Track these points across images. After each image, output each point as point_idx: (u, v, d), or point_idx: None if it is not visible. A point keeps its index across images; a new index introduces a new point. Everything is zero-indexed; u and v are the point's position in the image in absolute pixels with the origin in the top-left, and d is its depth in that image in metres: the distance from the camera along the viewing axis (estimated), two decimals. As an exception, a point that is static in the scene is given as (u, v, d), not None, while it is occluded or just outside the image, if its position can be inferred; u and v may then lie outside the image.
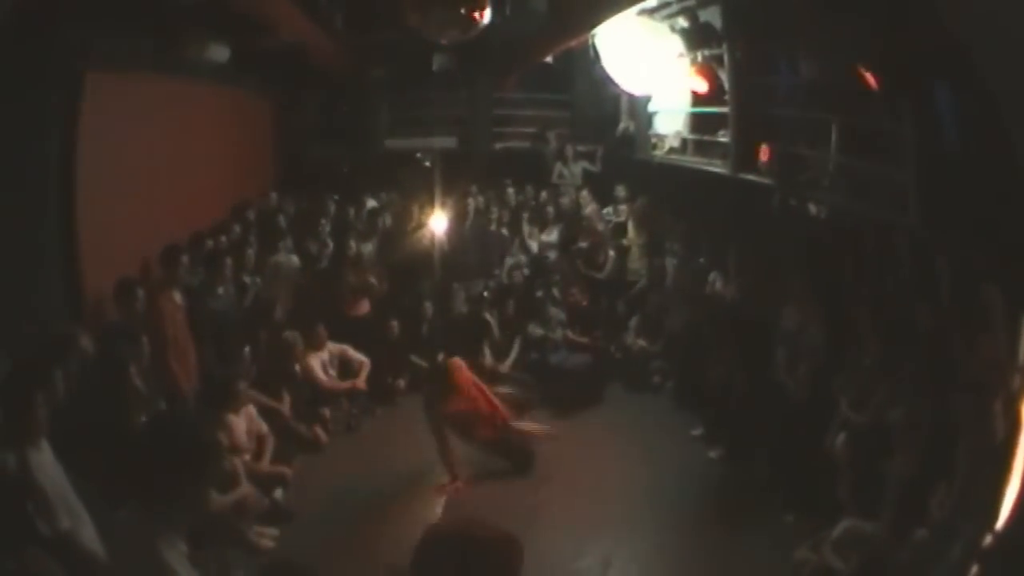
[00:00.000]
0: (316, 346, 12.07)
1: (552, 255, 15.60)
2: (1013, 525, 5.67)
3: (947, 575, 6.19)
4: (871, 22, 8.59)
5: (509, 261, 15.43)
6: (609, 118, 17.60)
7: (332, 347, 12.26)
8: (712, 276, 12.38)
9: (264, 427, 10.16)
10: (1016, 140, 5.86)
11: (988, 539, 5.87)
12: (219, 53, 11.57)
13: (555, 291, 14.65)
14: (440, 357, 10.99)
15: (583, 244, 15.41)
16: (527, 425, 11.08)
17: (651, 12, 13.20)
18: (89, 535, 6.21)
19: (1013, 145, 5.92)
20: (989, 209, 7.20)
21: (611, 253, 15.15)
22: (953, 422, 6.68)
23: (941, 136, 8.13)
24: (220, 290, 11.09)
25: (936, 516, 6.61)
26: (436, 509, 9.82)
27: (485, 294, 14.73)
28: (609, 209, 16.30)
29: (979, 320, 6.90)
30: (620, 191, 16.31)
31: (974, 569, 5.94)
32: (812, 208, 10.87)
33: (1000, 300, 6.74)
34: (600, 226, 15.71)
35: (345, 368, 12.30)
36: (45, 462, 6.22)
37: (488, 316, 14.21)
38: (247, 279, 12.34)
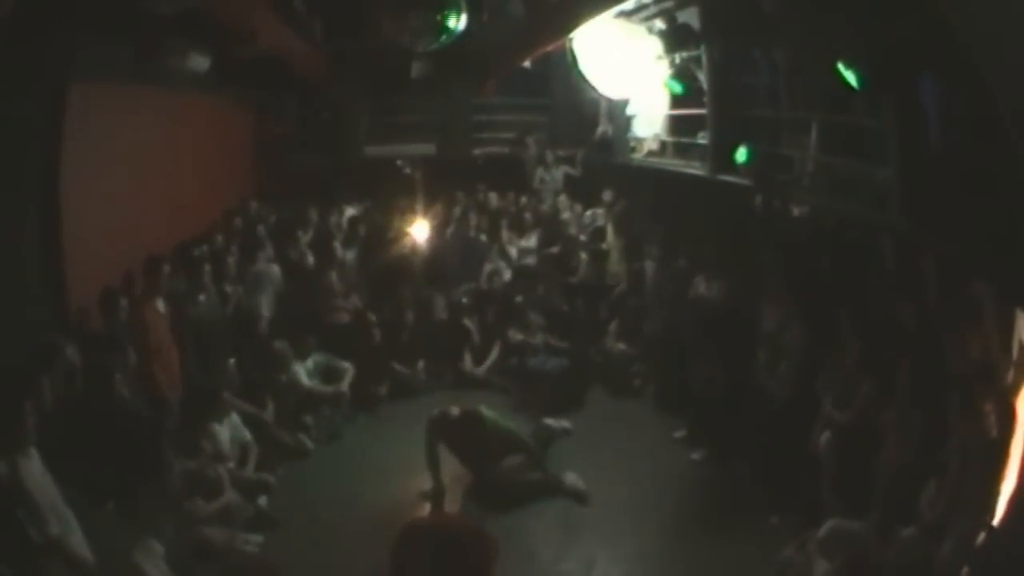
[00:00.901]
0: (303, 355, 12.08)
1: (531, 260, 15.60)
2: (1008, 523, 5.67)
3: (939, 574, 6.20)
4: (852, 19, 8.63)
5: (488, 267, 15.45)
6: (588, 122, 17.70)
7: (316, 356, 12.26)
8: (696, 278, 12.38)
9: (248, 435, 10.17)
10: (1008, 133, 5.88)
11: (981, 537, 5.88)
12: (199, 63, 11.53)
13: (534, 296, 14.68)
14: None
15: (554, 249, 15.46)
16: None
17: (628, 15, 13.24)
18: (78, 541, 6.25)
19: (1004, 139, 5.94)
20: (976, 205, 7.23)
21: (583, 256, 15.15)
22: (943, 420, 6.70)
23: (925, 132, 8.14)
24: (201, 298, 11.08)
25: (926, 514, 6.62)
26: (420, 515, 9.78)
27: (464, 300, 14.76)
28: (589, 213, 16.30)
29: (969, 317, 6.93)
30: (605, 194, 16.33)
31: (965, 568, 5.95)
32: (793, 207, 10.93)
33: (991, 296, 6.77)
34: (573, 230, 15.75)
35: (329, 375, 12.27)
36: (34, 470, 6.26)
37: (468, 323, 14.26)
38: (228, 288, 12.31)
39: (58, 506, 6.31)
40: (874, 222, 9.16)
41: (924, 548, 6.39)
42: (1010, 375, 6.39)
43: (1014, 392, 6.21)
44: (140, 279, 10.20)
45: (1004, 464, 5.87)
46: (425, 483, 10.16)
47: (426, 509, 9.93)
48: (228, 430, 9.88)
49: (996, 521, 5.82)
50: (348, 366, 12.38)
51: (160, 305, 10.04)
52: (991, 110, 5.96)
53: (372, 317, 13.50)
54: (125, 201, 10.70)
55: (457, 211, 16.17)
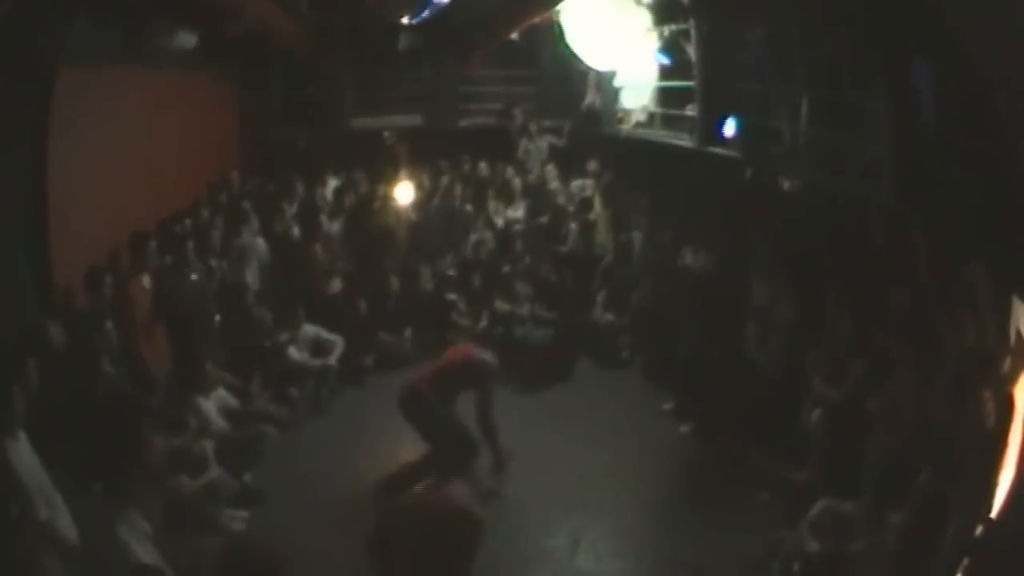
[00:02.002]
0: (291, 326, 12.06)
1: (518, 230, 15.60)
2: (1007, 515, 5.59)
3: (937, 565, 6.16)
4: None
5: (473, 237, 15.48)
6: (576, 93, 17.63)
7: (307, 328, 12.22)
8: (684, 250, 12.36)
9: (235, 406, 10.16)
10: (1004, 119, 5.85)
11: (980, 530, 5.82)
12: (186, 40, 11.44)
13: (521, 266, 14.67)
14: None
15: (543, 219, 15.49)
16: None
17: (616, -14, 13.16)
18: (66, 523, 6.24)
19: (1001, 124, 5.91)
20: (971, 187, 7.18)
21: (572, 226, 15.13)
22: (937, 404, 6.66)
23: (918, 111, 8.12)
24: (186, 272, 11.07)
25: (920, 502, 6.57)
26: (405, 487, 9.76)
27: (450, 272, 14.76)
28: (578, 183, 16.28)
29: (963, 299, 6.87)
30: (592, 165, 16.29)
31: (965, 560, 5.90)
32: (783, 182, 10.91)
33: (986, 279, 6.70)
34: (561, 200, 15.77)
35: (317, 348, 12.22)
36: (23, 452, 6.24)
37: (453, 295, 14.28)
38: (213, 262, 12.28)
39: (46, 488, 6.29)
40: (865, 197, 9.13)
41: (925, 538, 6.36)
42: (1007, 363, 6.31)
43: (1012, 381, 6.10)
44: (125, 256, 10.17)
45: (1002, 455, 5.81)
46: (412, 456, 10.06)
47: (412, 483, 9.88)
48: (214, 403, 9.87)
49: (995, 513, 5.77)
50: (338, 339, 12.32)
51: (145, 281, 10.03)
52: (983, 89, 5.94)
53: (358, 288, 13.50)
54: (112, 179, 10.65)
55: (443, 181, 16.17)
